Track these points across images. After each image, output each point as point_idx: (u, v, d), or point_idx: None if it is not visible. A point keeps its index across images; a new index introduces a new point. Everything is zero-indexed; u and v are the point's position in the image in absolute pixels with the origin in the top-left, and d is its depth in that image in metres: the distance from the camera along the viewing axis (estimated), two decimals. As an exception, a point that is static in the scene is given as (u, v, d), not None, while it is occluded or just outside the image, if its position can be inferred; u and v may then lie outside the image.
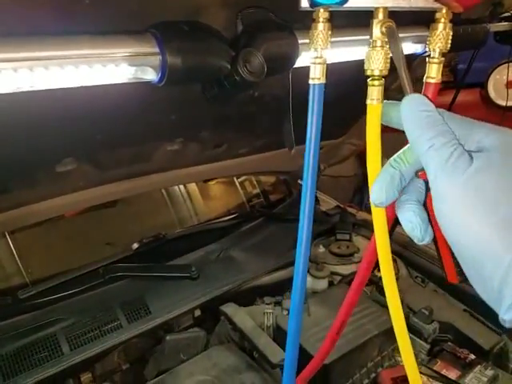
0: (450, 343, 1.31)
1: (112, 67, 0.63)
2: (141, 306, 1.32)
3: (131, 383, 1.28)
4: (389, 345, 1.27)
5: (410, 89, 0.41)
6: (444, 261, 0.43)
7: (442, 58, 0.46)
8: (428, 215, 0.41)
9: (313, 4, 0.42)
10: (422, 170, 0.40)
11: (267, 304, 1.42)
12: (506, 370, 1.26)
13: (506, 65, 2.88)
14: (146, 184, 1.39)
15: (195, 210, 1.96)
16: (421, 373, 1.19)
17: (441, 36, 0.45)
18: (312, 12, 0.45)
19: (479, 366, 1.20)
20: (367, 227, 1.78)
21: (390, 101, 0.44)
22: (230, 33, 0.74)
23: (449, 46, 0.46)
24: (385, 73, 0.44)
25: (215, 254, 1.63)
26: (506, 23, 1.30)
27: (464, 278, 0.40)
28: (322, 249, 1.68)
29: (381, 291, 1.44)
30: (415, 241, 0.41)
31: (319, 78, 0.47)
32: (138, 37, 0.64)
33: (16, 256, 1.49)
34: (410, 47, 1.01)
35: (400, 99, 0.41)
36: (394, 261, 1.62)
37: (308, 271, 1.53)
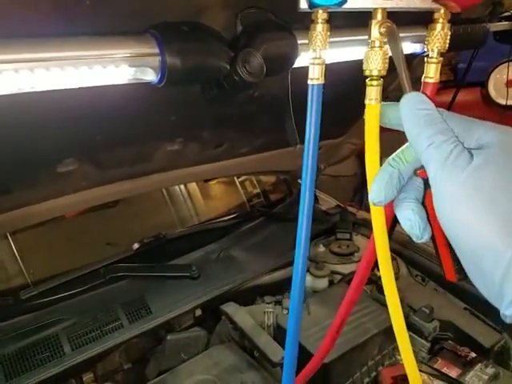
0: (450, 341, 1.31)
1: (112, 68, 0.64)
2: (142, 306, 1.32)
3: (133, 383, 1.28)
4: (389, 343, 1.27)
5: (410, 88, 0.42)
6: (442, 259, 0.44)
7: (441, 58, 0.46)
8: (426, 213, 0.41)
9: (311, 5, 0.42)
10: (421, 168, 0.40)
11: (267, 303, 1.42)
12: (507, 368, 1.26)
13: (507, 64, 2.88)
14: (146, 184, 1.40)
15: (196, 210, 1.96)
16: (421, 371, 1.20)
17: (439, 36, 0.46)
18: (311, 13, 0.45)
19: (480, 364, 1.21)
20: (367, 226, 1.79)
21: (388, 102, 0.44)
22: (230, 33, 0.74)
23: (447, 45, 0.46)
24: (383, 73, 0.44)
25: (216, 254, 1.63)
26: (505, 23, 1.30)
27: (462, 276, 0.40)
28: (322, 248, 1.69)
29: (380, 290, 1.44)
30: (414, 239, 0.41)
31: (318, 79, 0.47)
32: (137, 38, 0.65)
33: (18, 256, 1.49)
34: (409, 47, 1.01)
35: (399, 98, 0.41)
36: (394, 260, 1.63)
37: (308, 270, 1.54)
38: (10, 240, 1.50)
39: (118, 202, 1.71)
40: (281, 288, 1.50)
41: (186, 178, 1.66)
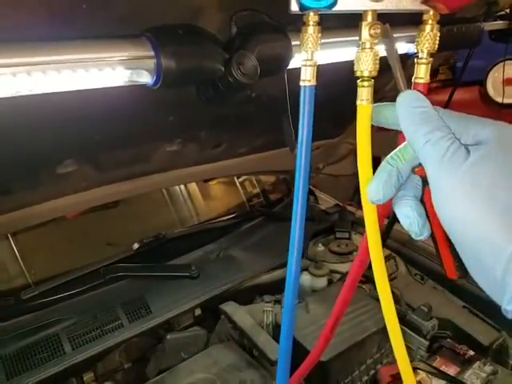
0: (449, 340, 1.31)
1: (108, 71, 0.64)
2: (141, 306, 1.33)
3: (133, 382, 1.29)
4: (388, 342, 1.28)
5: (405, 86, 0.42)
6: (443, 256, 0.44)
7: (431, 59, 0.47)
8: (425, 211, 0.41)
9: (302, 8, 0.43)
10: (419, 166, 0.40)
11: (267, 302, 1.43)
12: (506, 365, 1.26)
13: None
14: (146, 184, 1.40)
15: (196, 210, 1.97)
16: (420, 369, 1.20)
17: (428, 37, 0.46)
18: (303, 14, 0.46)
19: (478, 362, 1.21)
20: (366, 225, 1.79)
21: (385, 102, 0.45)
22: (225, 35, 0.75)
23: (436, 46, 0.47)
24: (374, 74, 0.45)
25: (215, 254, 1.64)
26: (500, 22, 1.31)
27: (463, 274, 0.40)
28: (321, 247, 1.69)
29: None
30: (413, 236, 0.41)
31: (310, 80, 0.48)
32: (133, 41, 0.65)
33: (19, 257, 1.50)
34: (403, 47, 1.01)
35: (396, 97, 0.42)
36: (393, 258, 1.63)
37: (307, 269, 1.54)
38: (11, 241, 1.51)
39: (119, 203, 1.71)
40: (280, 287, 1.50)
41: (185, 178, 1.67)
